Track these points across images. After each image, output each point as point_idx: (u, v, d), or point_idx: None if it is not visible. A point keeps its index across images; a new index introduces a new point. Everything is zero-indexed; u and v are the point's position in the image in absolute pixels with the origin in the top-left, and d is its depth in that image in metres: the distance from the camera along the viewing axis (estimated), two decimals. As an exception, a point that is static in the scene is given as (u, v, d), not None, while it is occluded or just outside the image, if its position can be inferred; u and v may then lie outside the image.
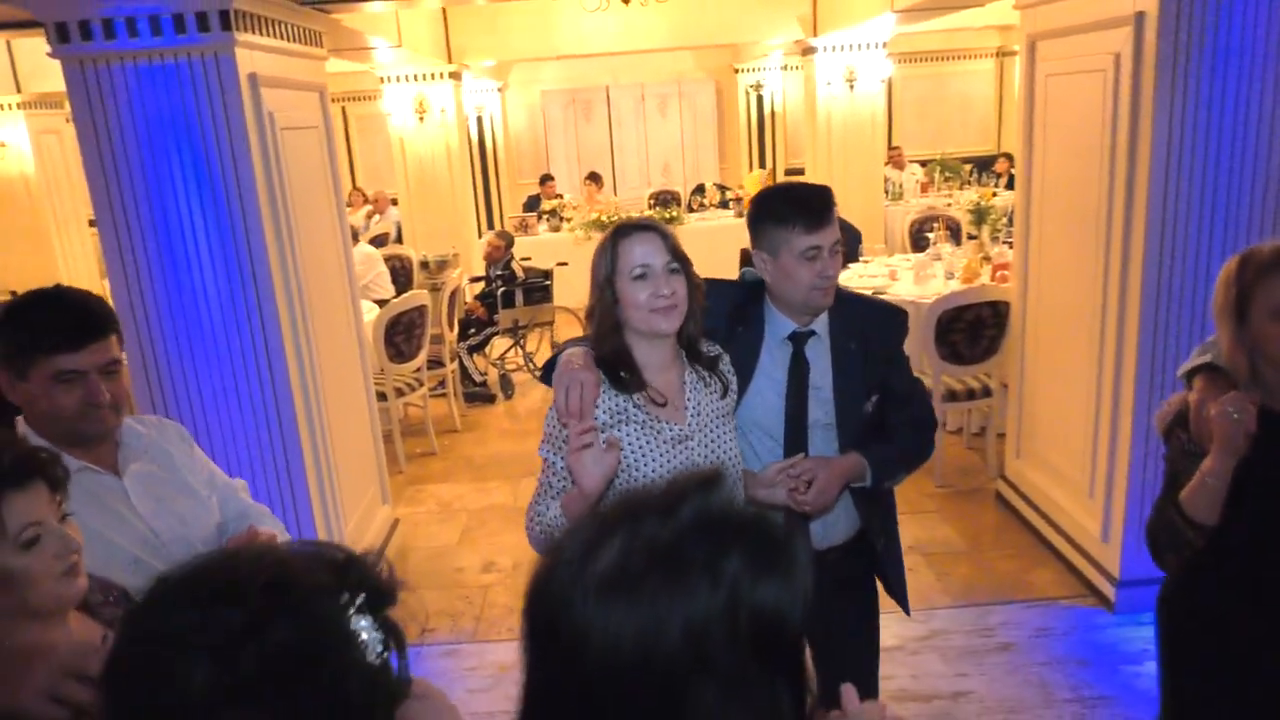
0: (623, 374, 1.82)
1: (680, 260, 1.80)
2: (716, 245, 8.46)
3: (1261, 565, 1.75)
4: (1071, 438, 3.79)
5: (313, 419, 3.47)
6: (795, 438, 2.04)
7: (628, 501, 0.83)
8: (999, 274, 5.42)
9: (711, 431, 1.88)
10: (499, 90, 12.12)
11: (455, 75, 8.14)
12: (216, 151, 3.07)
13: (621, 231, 1.82)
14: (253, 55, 3.14)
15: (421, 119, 7.96)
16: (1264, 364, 1.74)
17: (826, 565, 2.06)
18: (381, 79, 7.99)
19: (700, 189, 11.20)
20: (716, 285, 2.10)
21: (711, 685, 0.74)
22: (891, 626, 3.50)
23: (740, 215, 9.90)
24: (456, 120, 8.24)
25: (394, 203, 9.81)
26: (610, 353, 1.82)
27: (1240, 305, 1.73)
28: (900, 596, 2.29)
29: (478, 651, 3.61)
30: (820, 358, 2.06)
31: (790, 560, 0.77)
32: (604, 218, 9.53)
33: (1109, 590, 3.52)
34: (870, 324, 2.12)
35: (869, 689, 2.27)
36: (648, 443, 1.82)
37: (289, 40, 3.49)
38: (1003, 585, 3.78)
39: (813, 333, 2.06)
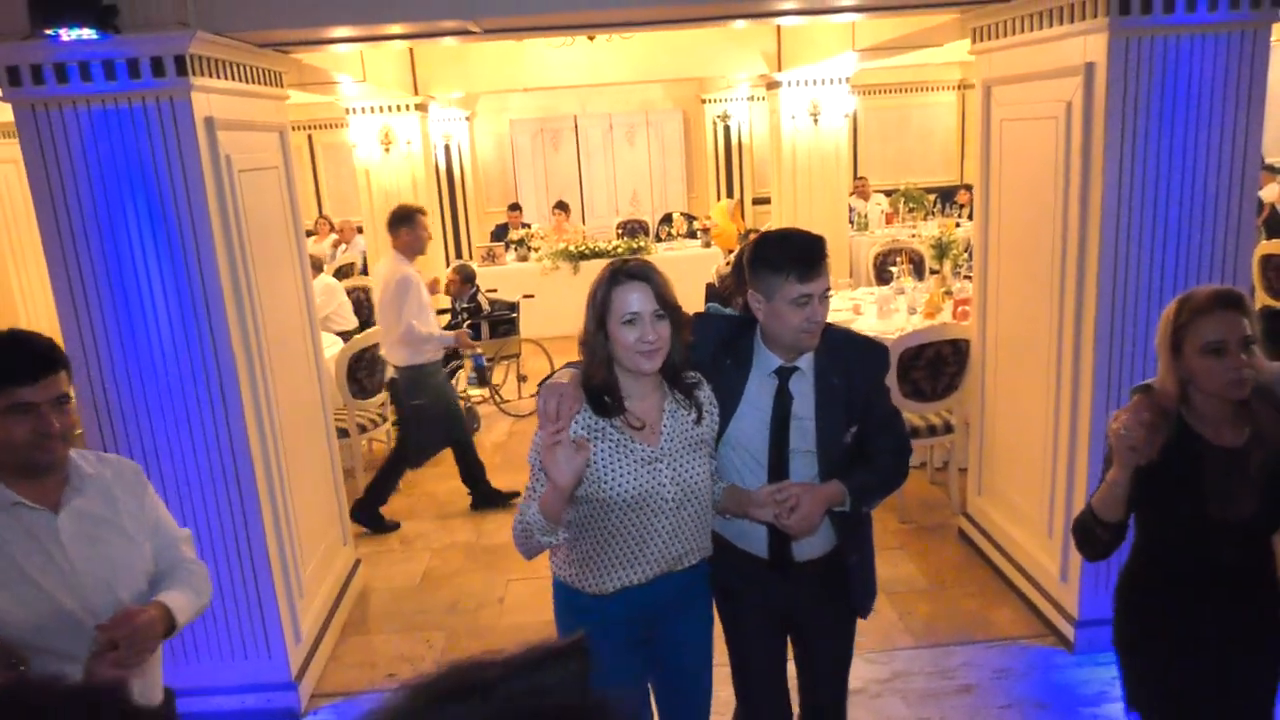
0: (606, 399, 2.06)
1: (667, 307, 2.02)
2: (684, 275, 8.38)
3: (1189, 560, 2.05)
4: (1030, 476, 3.83)
5: (270, 462, 3.42)
6: (778, 462, 2.22)
7: (455, 672, 0.74)
8: (960, 309, 5.49)
9: (681, 456, 2.11)
10: (467, 119, 12.13)
11: (421, 107, 8.14)
12: (171, 196, 3.03)
13: (615, 279, 2.02)
14: (209, 99, 3.12)
15: (387, 150, 7.94)
16: (1195, 392, 1.99)
17: (804, 575, 2.30)
18: (347, 110, 7.96)
19: (668, 218, 11.24)
20: (708, 319, 2.43)
21: None
22: (855, 669, 3.49)
23: (708, 245, 9.94)
24: (423, 151, 8.23)
25: (360, 231, 9.76)
26: (600, 384, 2.06)
27: (1176, 340, 1.99)
28: (860, 604, 2.43)
29: (438, 698, 3.55)
30: (804, 392, 2.22)
31: None
32: (572, 247, 9.54)
33: (1068, 630, 3.54)
34: (854, 360, 2.27)
35: (839, 684, 2.49)
36: (619, 460, 2.06)
37: (248, 81, 3.47)
38: (964, 624, 3.80)
39: (797, 368, 2.22)
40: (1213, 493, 1.95)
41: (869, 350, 2.34)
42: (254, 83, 3.53)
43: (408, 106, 7.99)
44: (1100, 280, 3.28)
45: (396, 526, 5.09)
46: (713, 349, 2.24)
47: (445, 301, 7.39)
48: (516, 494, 5.14)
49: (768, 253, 2.15)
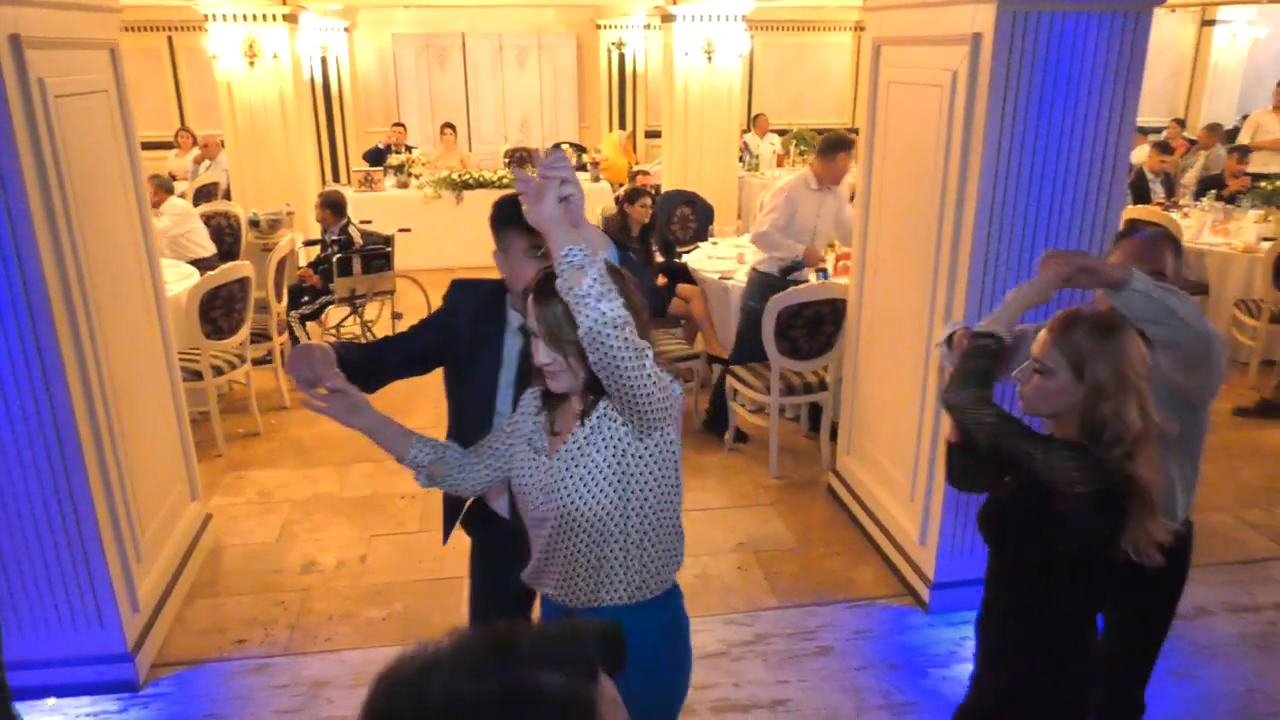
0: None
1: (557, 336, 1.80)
2: (570, 211, 8.26)
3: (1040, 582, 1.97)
4: (896, 440, 3.89)
5: (96, 412, 3.10)
6: None
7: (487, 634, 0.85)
8: (841, 263, 5.50)
9: (573, 463, 1.85)
10: (345, 30, 11.38)
11: (291, 18, 7.54)
12: (-31, 123, 2.65)
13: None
14: (16, 12, 2.72)
15: (252, 63, 7.34)
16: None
17: None
18: (206, 16, 7.29)
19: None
20: (461, 285, 2.42)
21: None
22: (716, 630, 3.54)
23: (597, 180, 9.70)
24: (292, 66, 7.64)
25: (223, 146, 9.10)
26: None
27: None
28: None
29: (290, 666, 3.40)
30: None
31: None
32: (455, 175, 9.15)
33: (924, 591, 3.65)
34: None
35: None
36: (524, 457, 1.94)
37: (67, -10, 3.05)
38: (827, 584, 3.87)
39: None
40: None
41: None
42: (75, -8, 3.11)
43: (275, 16, 7.38)
44: (973, 251, 3.29)
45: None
46: (469, 314, 2.30)
47: (316, 231, 6.98)
48: None
49: (504, 210, 2.18)
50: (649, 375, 1.68)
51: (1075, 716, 2.02)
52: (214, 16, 7.26)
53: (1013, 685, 2.04)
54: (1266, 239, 6.35)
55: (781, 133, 11.09)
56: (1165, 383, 2.09)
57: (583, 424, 1.83)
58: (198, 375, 4.97)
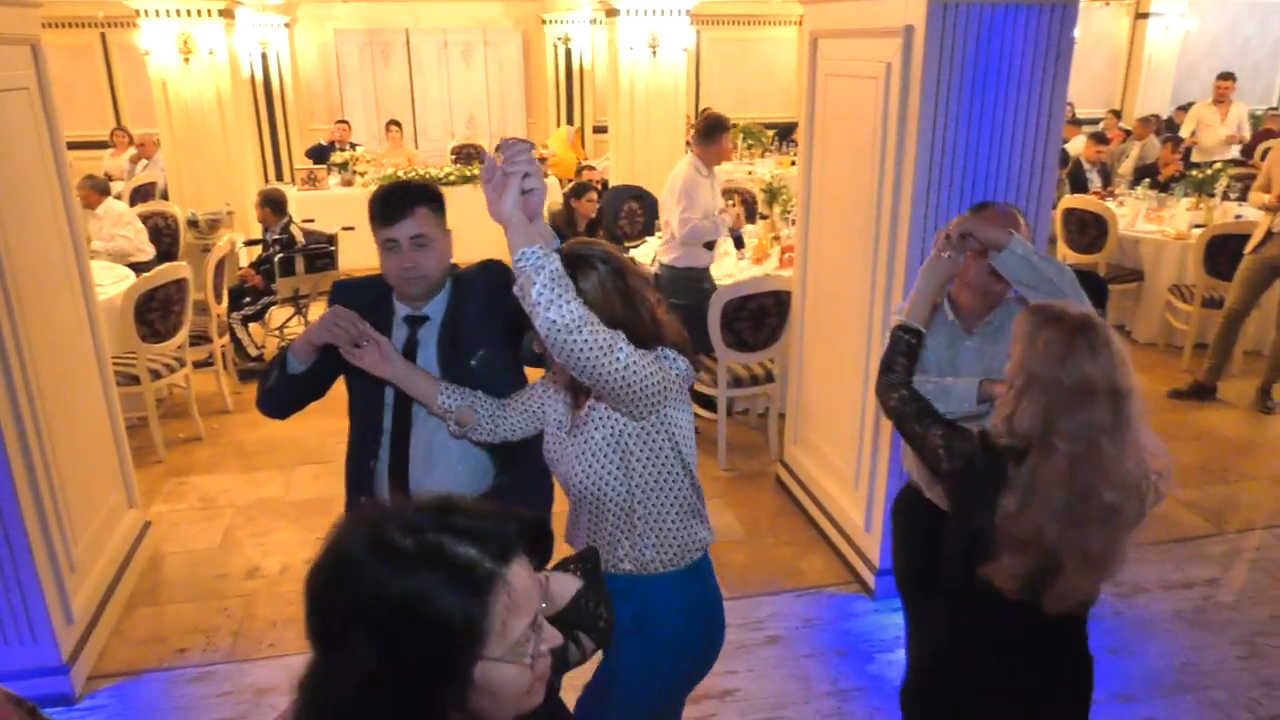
0: None
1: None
2: (519, 208, 8.19)
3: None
4: (840, 429, 3.93)
5: (22, 420, 3.00)
6: (401, 409, 2.25)
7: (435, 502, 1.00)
8: (786, 255, 5.55)
9: (579, 441, 1.94)
10: (286, 26, 11.17)
11: (227, 13, 7.37)
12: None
13: None
14: (-75, 6, 2.62)
15: (187, 60, 7.17)
16: None
17: None
18: (137, 12, 7.11)
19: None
20: (347, 285, 2.43)
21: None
22: (668, 624, 3.54)
23: (546, 175, 9.63)
24: (229, 63, 7.48)
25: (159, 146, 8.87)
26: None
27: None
28: None
29: (233, 673, 3.34)
30: (429, 339, 2.27)
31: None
32: (401, 172, 9.03)
33: (870, 578, 3.70)
34: (479, 293, 2.29)
35: None
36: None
37: (-19, -16, 2.95)
38: (776, 573, 3.90)
39: (427, 317, 2.27)
40: None
41: (496, 275, 2.29)
42: (-10, -14, 3.01)
43: (210, 12, 7.21)
44: (910, 239, 3.33)
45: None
46: (364, 308, 2.28)
47: (257, 231, 6.85)
48: None
49: (371, 203, 2.23)
50: (623, 366, 1.70)
51: (963, 701, 2.00)
52: (146, 12, 7.08)
53: (915, 663, 2.10)
54: (1198, 226, 6.53)
55: (729, 127, 11.13)
56: None
57: (582, 408, 1.94)
58: (135, 380, 4.86)
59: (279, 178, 10.81)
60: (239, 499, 4.61)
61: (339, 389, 2.38)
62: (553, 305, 1.62)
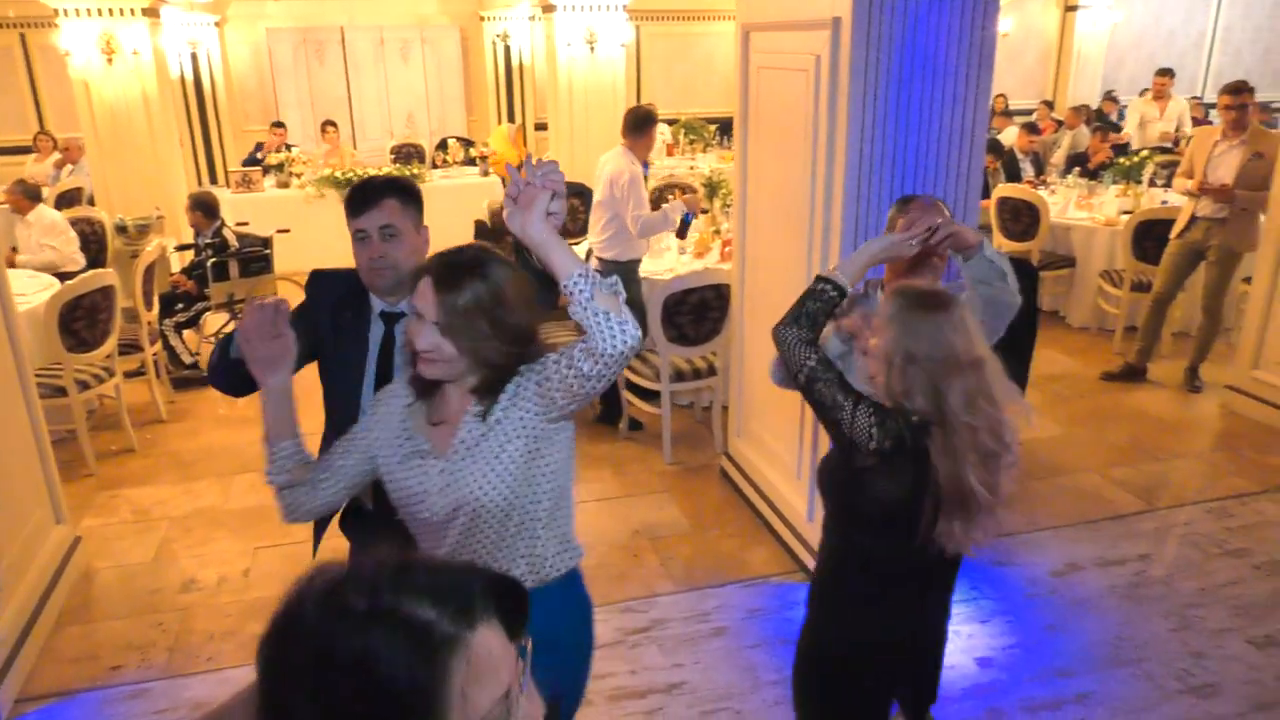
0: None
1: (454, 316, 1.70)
2: (460, 205, 8.08)
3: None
4: (782, 420, 3.95)
5: (-57, 442, 2.92)
6: None
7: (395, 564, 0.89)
8: (727, 249, 5.57)
9: (474, 459, 1.76)
10: (215, 25, 10.91)
11: (151, 12, 7.17)
12: None
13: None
14: None
15: (110, 60, 6.96)
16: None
17: None
18: (56, 11, 6.88)
19: (444, 144, 10.68)
20: (322, 276, 2.37)
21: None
22: (613, 620, 3.54)
23: (486, 174, 9.56)
24: (155, 63, 7.28)
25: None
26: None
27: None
28: None
29: (170, 689, 3.25)
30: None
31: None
32: (339, 174, 8.88)
33: (813, 565, 3.73)
34: None
35: None
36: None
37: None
38: (722, 565, 3.92)
39: (402, 314, 2.19)
40: None
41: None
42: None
43: (133, 10, 7.01)
44: (843, 229, 3.37)
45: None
46: (331, 305, 2.28)
47: (188, 235, 6.68)
48: None
49: (345, 198, 2.24)
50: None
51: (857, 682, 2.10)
52: (65, 12, 6.85)
53: (812, 634, 2.13)
54: (1126, 212, 6.70)
55: (671, 122, 11.15)
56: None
57: (484, 419, 1.75)
58: (61, 391, 4.70)
59: (212, 180, 10.56)
60: (174, 510, 4.49)
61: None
62: (627, 323, 1.62)
